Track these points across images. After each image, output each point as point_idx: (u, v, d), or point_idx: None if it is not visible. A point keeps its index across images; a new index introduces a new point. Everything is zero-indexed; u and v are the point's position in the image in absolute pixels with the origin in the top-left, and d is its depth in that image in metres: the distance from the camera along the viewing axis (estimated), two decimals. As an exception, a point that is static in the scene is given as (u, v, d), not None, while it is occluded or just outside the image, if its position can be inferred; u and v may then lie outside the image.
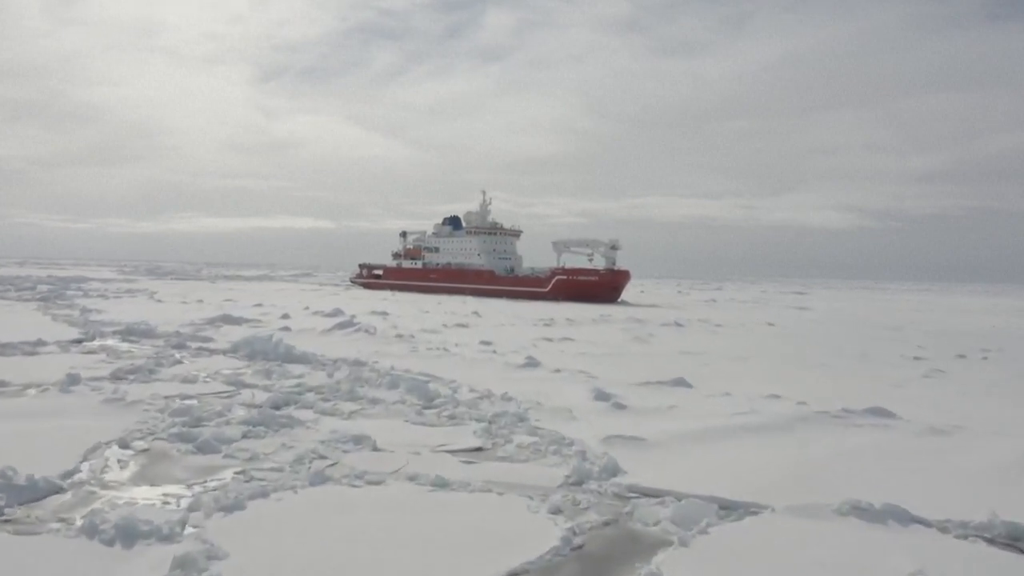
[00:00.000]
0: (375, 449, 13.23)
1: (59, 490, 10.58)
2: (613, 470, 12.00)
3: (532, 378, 21.73)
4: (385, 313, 47.61)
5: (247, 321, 37.06)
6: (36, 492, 10.37)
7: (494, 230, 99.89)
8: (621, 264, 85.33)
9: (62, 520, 9.43)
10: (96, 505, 10.09)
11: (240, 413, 15.91)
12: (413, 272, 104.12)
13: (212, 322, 35.73)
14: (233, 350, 26.32)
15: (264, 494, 10.53)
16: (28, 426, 14.02)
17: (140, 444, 13.36)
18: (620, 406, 17.31)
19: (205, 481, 11.33)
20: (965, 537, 9.75)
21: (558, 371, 22.91)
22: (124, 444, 13.24)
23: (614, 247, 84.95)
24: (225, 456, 12.68)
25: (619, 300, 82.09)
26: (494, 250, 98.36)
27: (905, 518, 10.14)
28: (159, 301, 56.49)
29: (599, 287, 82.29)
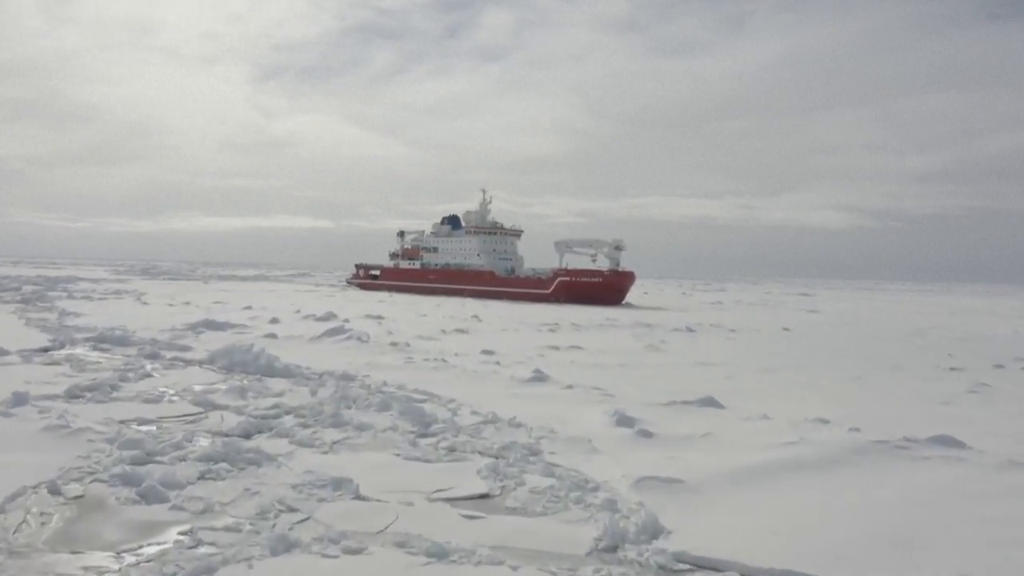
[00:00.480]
0: (358, 497, 10.83)
1: (-56, 565, 8.19)
2: (654, 529, 9.61)
3: (541, 396, 19.35)
4: (380, 317, 45.18)
5: (232, 327, 34.63)
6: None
7: (494, 230, 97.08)
8: (624, 265, 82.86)
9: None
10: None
11: (202, 444, 13.53)
12: (411, 273, 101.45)
13: (194, 327, 33.29)
14: (210, 361, 23.95)
15: (210, 570, 8.14)
16: (-61, 465, 11.62)
17: (74, 488, 10.95)
18: (646, 434, 14.91)
19: (140, 547, 8.93)
20: None
21: (570, 387, 20.50)
22: (55, 489, 10.83)
23: (618, 247, 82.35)
24: (172, 507, 10.27)
25: (623, 302, 79.65)
26: (494, 250, 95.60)
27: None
28: (144, 303, 54.03)
29: (603, 289, 79.67)
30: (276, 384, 20.12)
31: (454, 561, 8.62)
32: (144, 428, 14.89)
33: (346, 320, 39.84)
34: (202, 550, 8.78)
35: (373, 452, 13.45)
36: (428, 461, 12.89)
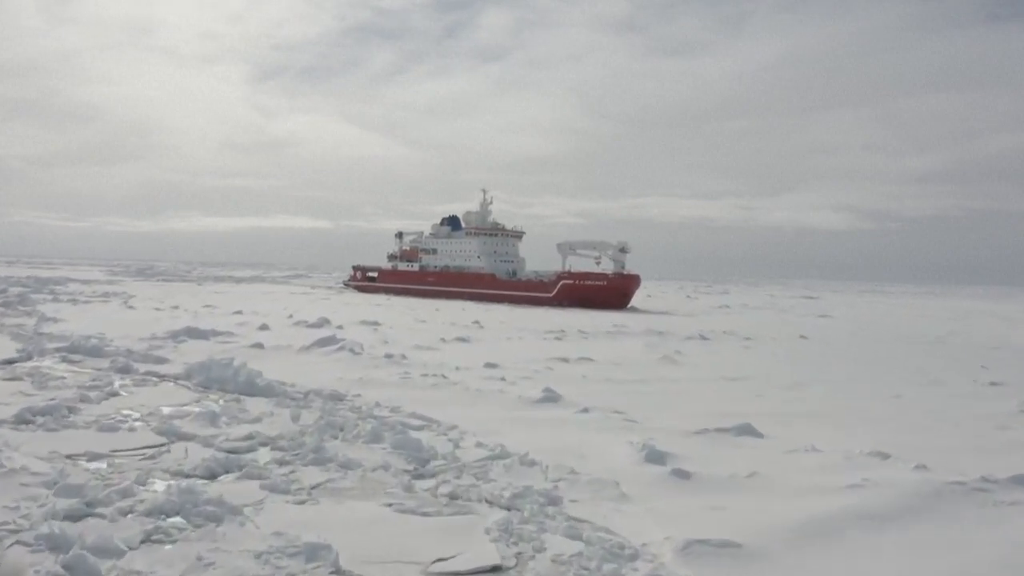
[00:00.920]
0: (337, 572, 8.61)
1: None
2: (717, 625, 7.41)
3: (554, 421, 17.14)
4: (376, 323, 42.92)
5: (217, 335, 32.34)
6: None
7: (495, 231, 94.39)
8: (627, 267, 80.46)
9: None
10: None
11: (156, 490, 11.33)
12: (409, 275, 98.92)
13: (175, 336, 31.02)
14: (186, 376, 21.75)
15: None
16: None
17: (-15, 555, 8.76)
18: (682, 474, 12.69)
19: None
20: None
21: (586, 410, 18.26)
22: (-41, 556, 8.64)
23: (623, 249, 79.80)
24: (99, 589, 8.07)
25: (628, 306, 77.36)
26: (495, 252, 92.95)
27: None
28: (130, 308, 51.70)
29: (608, 292, 77.16)
30: (255, 405, 17.90)
31: None
32: (92, 466, 12.71)
33: (339, 327, 37.63)
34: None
35: (359, 501, 11.21)
36: (426, 514, 10.64)
